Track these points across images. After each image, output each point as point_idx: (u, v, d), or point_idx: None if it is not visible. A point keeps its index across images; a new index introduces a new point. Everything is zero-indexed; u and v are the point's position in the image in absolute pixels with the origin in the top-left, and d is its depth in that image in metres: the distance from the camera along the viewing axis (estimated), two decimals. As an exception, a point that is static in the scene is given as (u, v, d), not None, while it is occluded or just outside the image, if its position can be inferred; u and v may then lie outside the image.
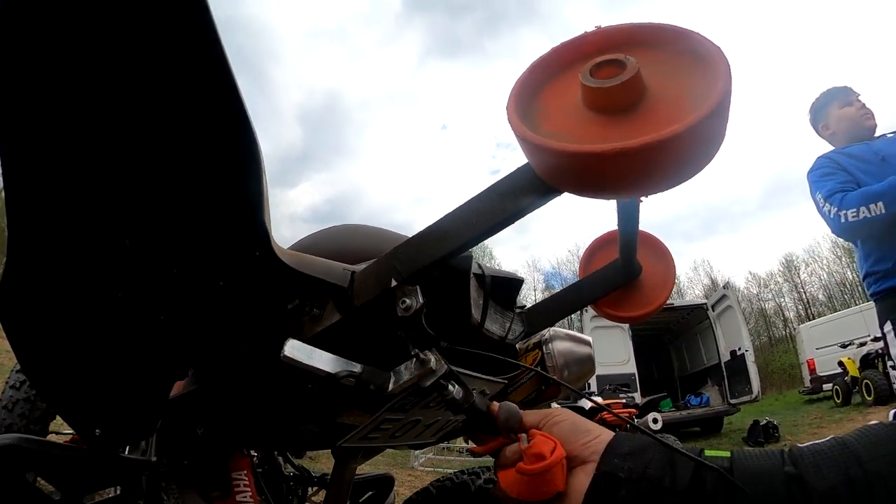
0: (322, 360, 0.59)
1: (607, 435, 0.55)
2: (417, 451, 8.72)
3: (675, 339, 10.99)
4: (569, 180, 0.50)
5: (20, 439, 1.10)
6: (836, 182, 2.09)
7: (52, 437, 2.75)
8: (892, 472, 0.43)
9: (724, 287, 9.63)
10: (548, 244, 68.01)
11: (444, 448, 10.00)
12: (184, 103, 0.56)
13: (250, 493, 1.39)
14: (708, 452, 0.50)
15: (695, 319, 9.72)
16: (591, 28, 0.61)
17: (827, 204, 2.08)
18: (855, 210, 1.97)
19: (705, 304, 9.34)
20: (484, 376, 0.90)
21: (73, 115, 0.56)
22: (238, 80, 0.53)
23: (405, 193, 66.99)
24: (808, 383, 12.08)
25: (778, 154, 53.23)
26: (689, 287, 33.01)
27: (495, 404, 0.60)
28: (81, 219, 0.67)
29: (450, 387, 0.61)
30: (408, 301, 0.60)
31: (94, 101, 0.55)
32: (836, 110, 2.28)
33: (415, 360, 0.59)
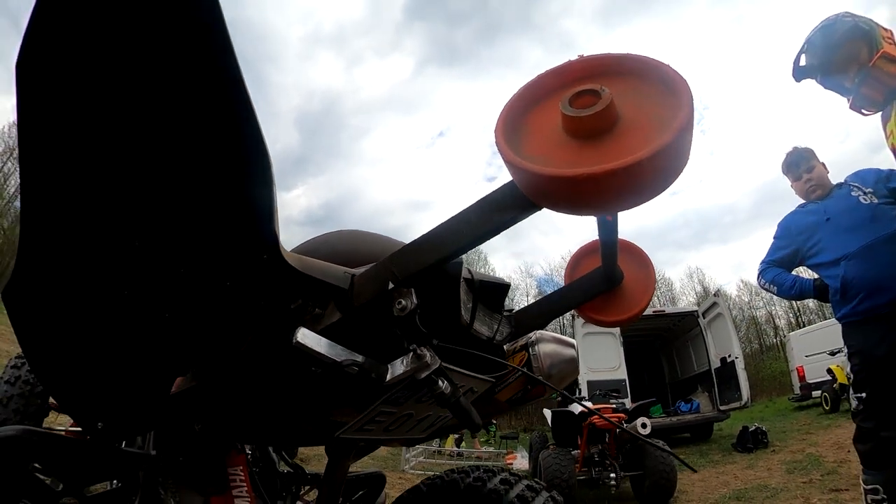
0: (329, 348, 0.65)
1: None
2: (408, 455, 8.74)
3: (666, 346, 11.04)
4: (546, 199, 0.56)
5: (25, 431, 1.12)
6: (772, 251, 2.88)
7: (45, 434, 2.76)
8: None
9: (714, 295, 9.71)
10: (541, 251, 68.22)
11: (434, 452, 10.05)
12: (196, 115, 0.60)
13: (246, 489, 1.43)
14: None
15: (686, 326, 9.77)
16: (574, 56, 0.67)
17: (759, 266, 2.94)
18: (765, 282, 2.85)
19: (696, 311, 9.39)
20: (473, 374, 0.96)
21: (86, 118, 0.60)
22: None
23: (400, 198, 66.88)
24: (797, 390, 12.12)
25: (768, 163, 53.74)
26: (682, 294, 33.12)
27: None
28: (90, 219, 0.70)
29: (440, 382, 0.66)
30: (403, 302, 0.66)
31: (105, 102, 0.59)
32: (791, 182, 2.89)
33: (411, 354, 0.64)
